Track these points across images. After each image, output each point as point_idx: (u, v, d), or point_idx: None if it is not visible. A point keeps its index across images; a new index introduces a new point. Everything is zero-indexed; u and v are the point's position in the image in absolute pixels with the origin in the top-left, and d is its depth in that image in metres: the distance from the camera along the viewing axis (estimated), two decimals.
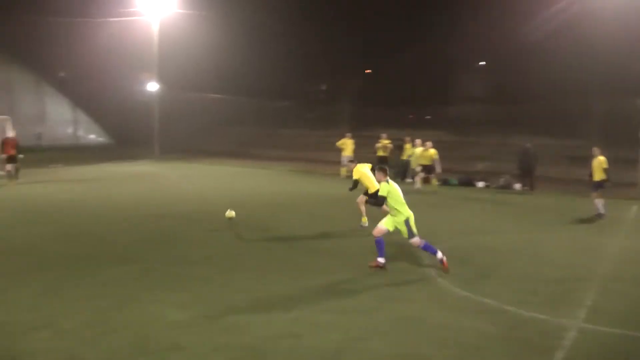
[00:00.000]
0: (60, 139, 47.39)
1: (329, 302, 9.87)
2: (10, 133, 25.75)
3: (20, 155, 25.56)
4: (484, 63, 57.03)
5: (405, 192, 12.32)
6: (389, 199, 11.84)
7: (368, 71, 61.51)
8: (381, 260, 11.94)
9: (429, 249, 11.90)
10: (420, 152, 24.81)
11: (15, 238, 14.64)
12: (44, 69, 48.98)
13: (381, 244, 11.97)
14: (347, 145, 28.83)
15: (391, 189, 11.79)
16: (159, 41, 39.98)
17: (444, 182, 26.62)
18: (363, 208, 16.45)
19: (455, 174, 28.70)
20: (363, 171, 15.93)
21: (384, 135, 28.62)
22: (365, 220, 16.40)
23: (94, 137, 50.87)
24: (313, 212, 19.42)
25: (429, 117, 40.75)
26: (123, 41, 43.90)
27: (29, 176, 27.58)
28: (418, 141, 25.79)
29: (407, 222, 11.78)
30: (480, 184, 27.11)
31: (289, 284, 10.88)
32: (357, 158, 28.39)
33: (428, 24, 53.21)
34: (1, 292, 10.29)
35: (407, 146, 27.52)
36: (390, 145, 28.26)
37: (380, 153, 28.09)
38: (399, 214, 11.81)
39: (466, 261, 12.85)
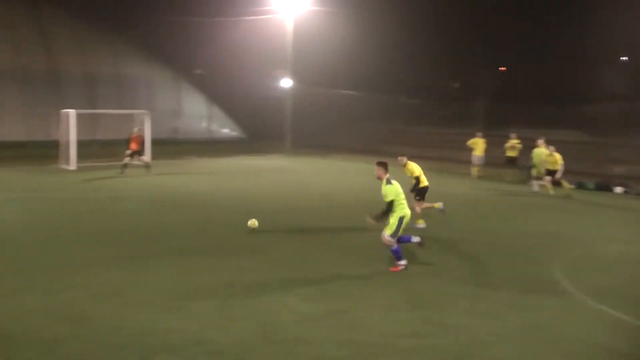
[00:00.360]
0: (195, 132, 49.22)
1: (457, 304, 9.72)
2: (136, 129, 26.99)
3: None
4: (625, 58, 53.99)
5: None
6: (396, 198, 11.46)
7: (502, 69, 59.79)
8: (403, 261, 11.60)
9: (399, 253, 11.50)
10: (546, 156, 23.60)
11: (153, 225, 15.40)
12: (182, 66, 51.06)
13: (399, 249, 11.61)
14: (478, 145, 28.14)
15: (396, 189, 11.49)
16: (293, 38, 40.70)
17: (579, 186, 25.34)
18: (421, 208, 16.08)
19: (592, 178, 27.23)
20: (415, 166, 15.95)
21: (513, 135, 27.71)
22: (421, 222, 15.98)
23: (227, 131, 52.46)
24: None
25: (563, 115, 39.05)
26: (258, 39, 45.02)
27: (164, 167, 28.88)
28: (540, 141, 24.34)
29: (401, 219, 11.46)
30: (619, 190, 25.51)
31: (420, 284, 10.81)
32: (488, 158, 27.99)
33: (566, 19, 51.03)
34: (140, 274, 10.89)
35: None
36: (519, 146, 27.32)
37: (509, 153, 27.25)
38: (398, 211, 11.46)
39: (603, 272, 12.23)
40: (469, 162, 28.96)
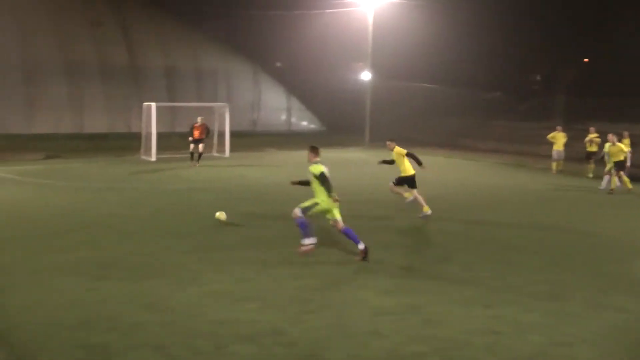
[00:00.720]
0: (274, 125, 49.69)
1: (533, 302, 9.48)
2: (199, 118, 27.42)
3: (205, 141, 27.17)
4: None
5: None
6: (314, 181, 11.71)
7: (586, 60, 57.91)
8: (309, 241, 11.72)
9: (304, 228, 11.65)
10: (609, 147, 22.23)
11: (230, 216, 15.59)
12: (262, 59, 51.65)
13: (350, 233, 11.76)
14: (558, 139, 27.35)
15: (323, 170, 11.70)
16: (373, 31, 40.52)
17: None
18: (419, 198, 16.18)
19: None
20: (401, 154, 16.12)
21: (592, 128, 26.78)
22: (426, 209, 15.92)
23: (305, 124, 52.78)
24: (518, 206, 18.69)
25: None
26: (337, 32, 45.10)
27: (243, 159, 29.35)
28: (610, 136, 22.94)
29: (315, 204, 11.69)
30: None
31: (494, 280, 10.61)
32: (568, 152, 27.16)
33: None
34: (217, 264, 11.11)
35: (625, 141, 25.27)
36: (598, 140, 26.34)
37: (589, 148, 26.34)
38: (316, 195, 11.75)
39: None
40: (548, 157, 28.21)
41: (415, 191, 16.22)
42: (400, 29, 43.20)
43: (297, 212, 11.73)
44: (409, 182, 16.28)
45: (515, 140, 37.71)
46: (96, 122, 39.99)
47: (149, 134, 29.28)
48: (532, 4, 51.39)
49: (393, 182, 16.56)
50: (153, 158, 28.51)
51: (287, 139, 42.84)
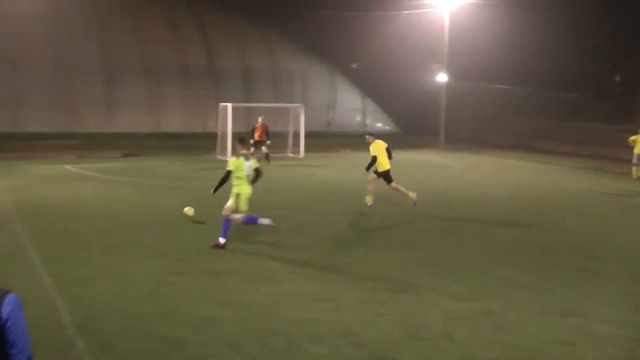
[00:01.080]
0: (349, 126, 49.73)
1: (610, 312, 9.09)
2: (260, 119, 27.60)
3: (268, 142, 27.27)
4: None
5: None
6: (235, 172, 12.19)
7: None
8: (222, 240, 12.20)
9: (251, 220, 12.38)
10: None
11: (303, 216, 15.77)
12: (337, 60, 51.76)
13: (227, 223, 12.25)
14: (639, 142, 26.30)
15: (239, 164, 12.16)
16: (449, 31, 40.07)
17: None
18: (400, 188, 17.05)
19: None
20: (380, 148, 16.88)
21: None
22: (411, 194, 16.91)
23: (380, 125, 52.64)
24: (593, 212, 18.04)
25: None
26: (413, 33, 44.80)
27: (318, 160, 29.46)
28: None
29: (237, 195, 12.26)
30: None
31: (569, 288, 10.25)
32: None
33: None
34: (291, 264, 11.16)
35: None
36: None
37: None
38: (236, 186, 12.28)
39: None
40: (629, 161, 27.15)
41: (393, 184, 17.09)
42: (476, 29, 42.54)
43: (238, 217, 12.36)
44: (384, 176, 17.08)
45: (594, 143, 36.57)
46: (173, 122, 40.94)
47: (224, 134, 29.70)
48: (612, 1, 49.76)
49: (388, 183, 17.20)
50: (227, 158, 28.91)
51: (362, 140, 42.63)
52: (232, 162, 12.29)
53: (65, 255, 11.54)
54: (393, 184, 17.03)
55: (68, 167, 24.94)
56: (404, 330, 8.11)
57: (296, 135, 32.31)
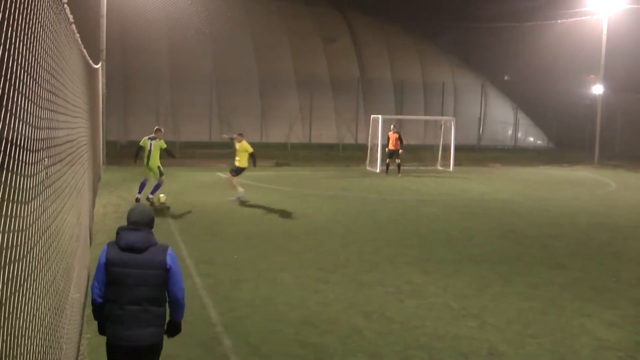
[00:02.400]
0: (499, 140, 48.61)
1: None
2: (392, 127, 27.44)
3: (400, 151, 26.91)
4: None
5: None
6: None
7: None
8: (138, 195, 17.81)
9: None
10: None
11: (454, 230, 15.53)
12: (489, 72, 50.74)
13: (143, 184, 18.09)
14: None
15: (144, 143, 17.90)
16: (607, 40, 38.08)
17: None
18: (234, 181, 19.10)
19: None
20: (246, 150, 18.95)
21: None
22: (239, 190, 19.01)
23: (532, 139, 51.00)
24: None
25: None
26: (568, 42, 43.10)
27: (468, 173, 28.99)
28: None
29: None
30: None
31: None
32: None
33: None
34: (437, 278, 11.01)
35: None
36: None
37: None
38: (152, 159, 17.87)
39: None
40: None
41: (235, 179, 19.08)
42: (637, 36, 40.13)
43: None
44: (239, 172, 19.08)
45: None
46: (325, 133, 41.68)
47: (375, 146, 29.89)
48: None
49: (232, 174, 19.18)
50: (377, 170, 29.05)
51: (513, 154, 41.63)
52: (143, 141, 18.04)
53: (215, 257, 12.04)
54: (235, 179, 19.12)
55: (221, 174, 26.02)
56: (552, 355, 7.72)
57: (446, 148, 31.93)
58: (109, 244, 5.28)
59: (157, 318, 5.22)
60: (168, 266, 5.19)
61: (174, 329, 5.52)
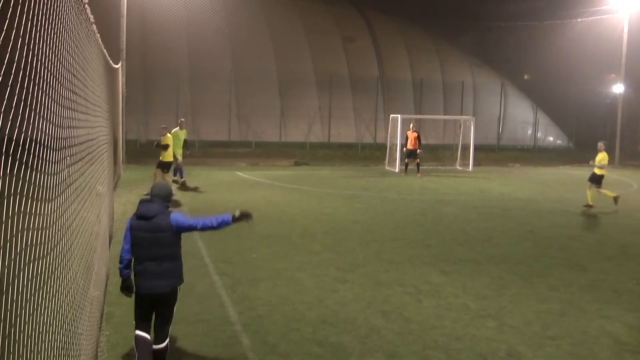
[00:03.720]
0: (519, 140, 48.31)
1: None
2: (411, 125, 27.44)
3: (419, 151, 26.84)
4: None
5: None
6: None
7: None
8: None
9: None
10: None
11: (473, 230, 15.49)
12: (509, 72, 50.44)
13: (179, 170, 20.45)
14: None
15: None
16: (628, 39, 37.71)
17: None
18: (159, 174, 19.08)
19: None
20: (168, 142, 19.22)
21: None
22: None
23: (551, 139, 50.63)
24: None
25: None
26: (588, 41, 42.76)
27: (487, 173, 28.84)
28: None
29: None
30: None
31: None
32: None
33: None
34: (456, 278, 10.97)
35: None
36: None
37: None
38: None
39: None
40: None
41: (166, 174, 19.16)
42: None
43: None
44: (166, 167, 19.20)
45: None
46: (344, 132, 41.67)
47: (394, 145, 29.84)
48: None
49: (164, 171, 19.18)
50: (396, 169, 28.99)
51: (532, 154, 41.38)
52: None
53: (234, 256, 12.08)
54: (167, 174, 19.40)
55: (240, 173, 26.10)
56: (570, 358, 7.65)
57: (465, 147, 31.80)
58: (134, 213, 6.52)
59: (170, 271, 6.45)
60: (173, 225, 6.37)
61: (239, 219, 6.58)
